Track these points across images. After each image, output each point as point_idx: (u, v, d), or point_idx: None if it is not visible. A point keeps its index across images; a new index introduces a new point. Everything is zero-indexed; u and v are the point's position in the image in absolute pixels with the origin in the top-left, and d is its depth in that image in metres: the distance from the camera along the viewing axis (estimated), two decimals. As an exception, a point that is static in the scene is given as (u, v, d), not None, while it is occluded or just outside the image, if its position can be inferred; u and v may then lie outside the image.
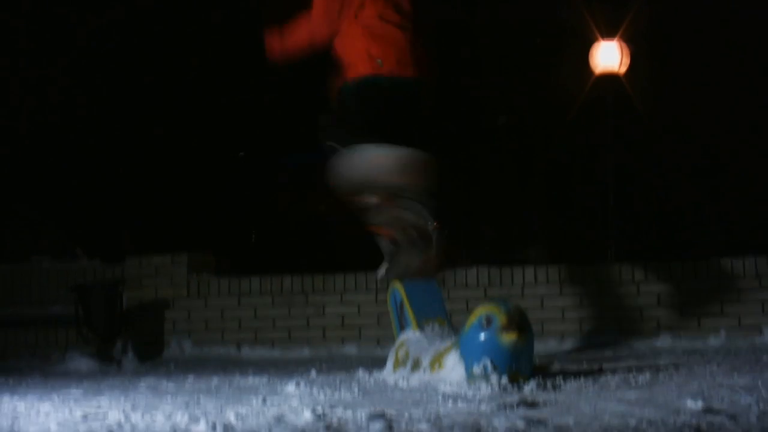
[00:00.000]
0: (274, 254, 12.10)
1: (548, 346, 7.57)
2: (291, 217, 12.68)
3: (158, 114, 12.87)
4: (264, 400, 4.29)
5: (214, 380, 5.79)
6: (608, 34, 10.72)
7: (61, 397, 4.73)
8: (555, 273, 7.91)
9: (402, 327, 5.73)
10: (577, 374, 4.99)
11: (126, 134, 12.92)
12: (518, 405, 3.78)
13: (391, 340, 6.00)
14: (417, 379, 5.01)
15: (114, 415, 3.83)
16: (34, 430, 3.47)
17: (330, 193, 5.59)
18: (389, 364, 5.49)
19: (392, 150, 5.39)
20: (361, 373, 5.62)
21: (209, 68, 13.04)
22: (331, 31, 5.79)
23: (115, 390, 5.22)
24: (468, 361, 4.74)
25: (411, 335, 5.53)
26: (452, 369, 4.83)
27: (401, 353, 5.41)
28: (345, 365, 6.81)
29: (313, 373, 5.98)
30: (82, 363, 7.81)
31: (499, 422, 3.25)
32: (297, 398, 4.40)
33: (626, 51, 10.69)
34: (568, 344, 7.69)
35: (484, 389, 4.49)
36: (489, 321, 4.67)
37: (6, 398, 4.64)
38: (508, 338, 4.64)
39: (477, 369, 4.67)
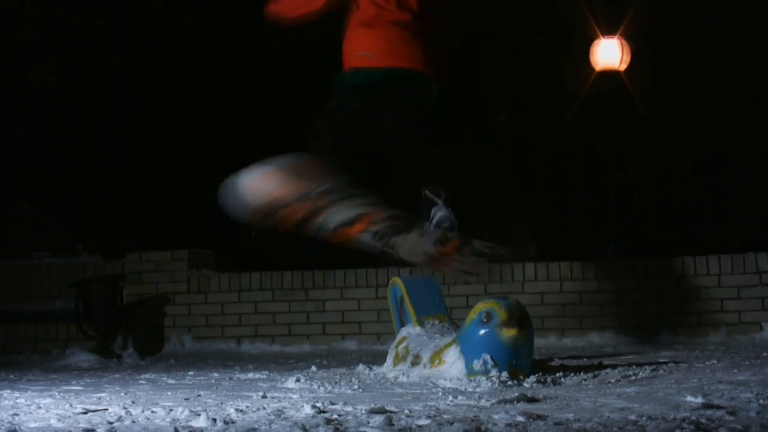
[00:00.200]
0: (274, 250, 12.11)
1: (548, 341, 7.58)
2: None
3: (158, 113, 12.87)
4: (264, 395, 4.30)
5: (215, 375, 5.80)
6: (609, 32, 10.72)
7: (62, 392, 4.73)
8: (555, 269, 7.91)
9: (402, 323, 5.73)
10: (577, 370, 4.99)
11: (126, 132, 12.93)
12: (518, 400, 3.78)
13: (391, 335, 6.01)
14: (417, 374, 5.01)
15: (114, 410, 3.83)
16: (34, 425, 3.47)
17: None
18: (389, 359, 5.49)
19: (270, 167, 5.40)
20: (361, 369, 5.62)
21: (209, 68, 13.05)
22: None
23: (116, 385, 5.22)
24: (468, 356, 4.74)
25: (411, 331, 5.53)
26: (452, 364, 4.83)
27: (401, 349, 5.42)
28: (345, 360, 6.82)
29: (313, 368, 5.98)
30: (82, 358, 7.82)
31: (499, 417, 3.26)
32: (297, 393, 4.40)
33: (627, 48, 10.68)
34: (568, 340, 7.70)
35: (484, 385, 4.49)
36: (489, 317, 4.68)
37: (7, 393, 4.64)
38: (508, 334, 4.65)
39: (477, 365, 4.68)
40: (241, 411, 3.68)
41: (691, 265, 7.77)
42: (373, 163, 5.62)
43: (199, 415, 3.49)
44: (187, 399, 4.25)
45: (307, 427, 3.17)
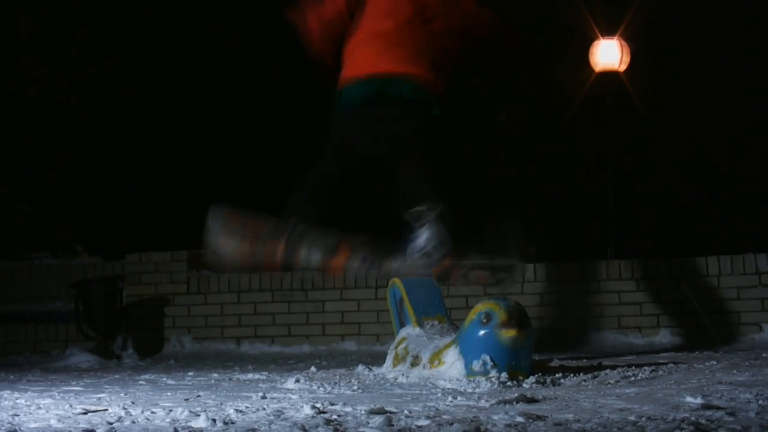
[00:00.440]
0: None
1: (548, 342, 7.58)
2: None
3: (158, 114, 12.87)
4: (264, 396, 4.30)
5: (214, 376, 5.80)
6: (608, 33, 10.70)
7: (62, 393, 4.73)
8: (555, 270, 7.91)
9: (402, 324, 5.73)
10: (576, 370, 5.00)
11: (126, 133, 12.93)
12: (518, 401, 3.79)
13: (391, 336, 6.01)
14: (416, 375, 5.01)
15: (114, 411, 3.83)
16: (34, 425, 3.47)
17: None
18: (389, 360, 5.50)
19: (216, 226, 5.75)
20: (360, 369, 5.63)
21: (208, 69, 13.05)
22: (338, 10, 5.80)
23: (115, 385, 5.22)
24: (467, 357, 4.75)
25: (411, 332, 5.53)
26: (452, 365, 4.84)
27: (401, 350, 5.42)
28: (345, 361, 6.83)
29: (313, 368, 5.98)
30: (82, 359, 7.83)
31: (499, 418, 3.26)
32: (297, 394, 4.41)
33: (626, 49, 10.67)
34: (568, 341, 7.69)
35: (484, 385, 4.50)
36: (488, 318, 4.68)
37: (7, 393, 4.65)
38: (508, 335, 4.65)
39: (476, 365, 4.68)
40: (240, 411, 3.68)
41: (691, 265, 7.77)
42: (380, 180, 5.70)
43: (199, 415, 3.50)
44: (186, 399, 4.26)
45: (307, 428, 3.18)
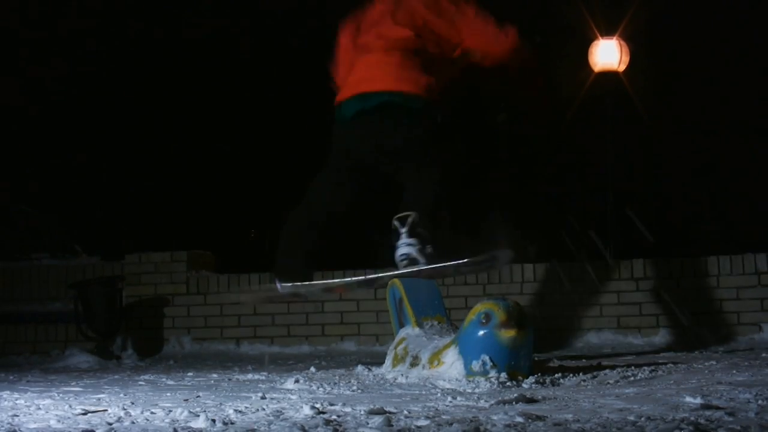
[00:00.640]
0: (273, 251, 12.11)
1: (547, 342, 7.58)
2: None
3: (157, 115, 12.88)
4: (263, 396, 4.30)
5: (214, 376, 5.80)
6: (607, 33, 10.72)
7: (61, 393, 4.73)
8: (554, 270, 7.91)
9: (401, 324, 5.73)
10: (575, 370, 5.00)
11: (125, 134, 12.94)
12: (517, 401, 3.78)
13: (390, 336, 6.01)
14: (416, 375, 5.01)
15: (114, 411, 3.83)
16: (34, 426, 3.47)
17: None
18: (388, 360, 5.50)
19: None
20: (360, 370, 5.63)
21: (208, 70, 13.06)
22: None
23: (115, 386, 5.22)
24: (467, 357, 4.74)
25: (410, 332, 5.53)
26: (451, 365, 4.83)
27: (400, 350, 5.42)
28: (344, 361, 6.83)
29: (312, 369, 5.98)
30: (81, 359, 7.83)
31: (498, 418, 3.26)
32: (296, 394, 4.40)
33: (625, 49, 10.69)
34: (568, 341, 7.70)
35: (483, 385, 4.50)
36: (488, 318, 4.68)
37: (6, 394, 4.65)
38: (507, 335, 4.65)
39: (476, 365, 4.68)
40: (240, 412, 3.68)
41: (690, 265, 7.77)
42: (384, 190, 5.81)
43: (199, 416, 3.49)
44: (186, 400, 4.26)
45: (306, 428, 3.18)
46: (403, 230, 5.64)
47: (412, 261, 5.67)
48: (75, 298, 8.29)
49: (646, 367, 5.02)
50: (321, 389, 4.61)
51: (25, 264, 9.04)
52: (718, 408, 3.29)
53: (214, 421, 3.39)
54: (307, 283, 6.07)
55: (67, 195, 12.53)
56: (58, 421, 3.58)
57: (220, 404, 3.99)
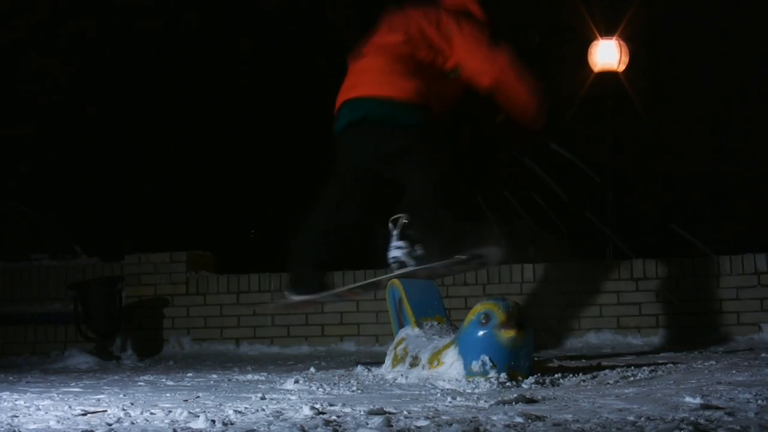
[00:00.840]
0: (273, 251, 12.12)
1: (547, 342, 7.58)
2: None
3: (157, 115, 12.88)
4: (263, 397, 4.30)
5: (213, 377, 5.80)
6: (607, 33, 10.72)
7: (61, 394, 4.73)
8: (554, 270, 7.91)
9: (401, 324, 5.73)
10: (575, 371, 5.00)
11: (125, 134, 12.94)
12: (517, 401, 3.78)
13: (390, 337, 6.01)
14: (415, 375, 5.01)
15: (113, 411, 3.83)
16: (33, 427, 3.47)
17: None
18: (388, 360, 5.50)
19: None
20: (359, 370, 5.63)
21: (208, 70, 13.05)
22: None
23: (115, 386, 5.22)
24: (467, 358, 4.74)
25: (410, 332, 5.53)
26: (451, 366, 4.83)
27: (400, 350, 5.42)
28: (344, 362, 6.83)
29: (312, 369, 5.98)
30: (81, 360, 7.82)
31: (498, 418, 3.26)
32: (296, 394, 4.40)
33: (625, 49, 10.70)
34: (567, 341, 7.70)
35: (483, 386, 4.50)
36: (488, 318, 4.68)
37: (6, 395, 4.65)
38: (507, 335, 4.65)
39: (476, 366, 4.68)
40: (239, 412, 3.68)
41: (690, 266, 7.77)
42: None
43: (198, 416, 3.49)
44: (186, 400, 4.26)
45: (306, 429, 3.18)
46: (395, 232, 5.74)
47: (400, 264, 5.82)
48: (74, 298, 8.28)
49: (645, 368, 5.02)
50: (321, 390, 4.61)
51: (25, 265, 9.04)
52: (717, 408, 3.29)
53: (213, 421, 3.39)
54: (319, 292, 6.15)
55: (67, 196, 12.53)
56: (58, 421, 3.58)
57: (220, 405, 3.99)
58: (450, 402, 3.90)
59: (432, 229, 5.66)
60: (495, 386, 4.50)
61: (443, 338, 5.23)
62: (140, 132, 12.78)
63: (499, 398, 3.91)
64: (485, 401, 3.86)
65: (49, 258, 9.16)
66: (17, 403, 4.27)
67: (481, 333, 4.70)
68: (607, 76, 10.73)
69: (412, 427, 3.16)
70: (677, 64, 12.58)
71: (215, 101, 12.79)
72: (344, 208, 5.98)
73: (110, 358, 8.03)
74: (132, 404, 4.11)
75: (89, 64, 12.71)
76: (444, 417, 3.38)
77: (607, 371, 4.95)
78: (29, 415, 3.82)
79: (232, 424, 3.38)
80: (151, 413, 3.74)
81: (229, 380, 5.49)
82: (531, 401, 3.81)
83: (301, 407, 3.68)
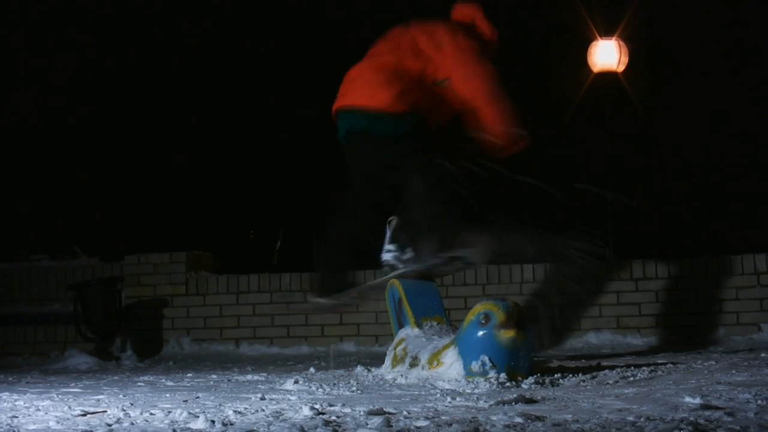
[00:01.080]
0: (272, 252, 12.13)
1: (547, 343, 7.58)
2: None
3: (156, 116, 12.87)
4: (263, 397, 4.30)
5: (213, 377, 5.80)
6: (607, 33, 10.72)
7: (61, 394, 4.73)
8: (553, 271, 7.91)
9: (400, 324, 5.73)
10: (575, 371, 5.00)
11: (124, 135, 12.93)
12: (516, 401, 3.79)
13: (390, 337, 6.02)
14: (415, 376, 5.01)
15: (113, 412, 3.83)
16: (33, 427, 3.47)
17: None
18: (388, 361, 5.50)
19: None
20: (359, 370, 5.63)
21: (208, 71, 13.05)
22: None
23: (114, 387, 5.22)
24: (466, 358, 4.74)
25: (409, 332, 5.53)
26: (450, 366, 4.83)
27: (400, 350, 5.42)
28: (343, 362, 6.83)
29: (312, 369, 5.99)
30: (81, 360, 7.83)
31: (498, 419, 3.26)
32: (296, 395, 4.41)
33: (624, 50, 10.69)
34: (567, 341, 7.70)
35: (483, 386, 4.50)
36: (487, 318, 4.68)
37: (6, 395, 4.65)
38: (506, 335, 4.65)
39: (475, 366, 4.68)
40: (239, 413, 3.68)
41: (690, 266, 7.77)
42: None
43: (198, 416, 3.49)
44: (185, 401, 4.26)
45: (306, 429, 3.18)
46: (388, 235, 5.81)
47: (391, 267, 5.91)
48: (74, 299, 8.28)
49: (645, 368, 5.02)
50: (320, 390, 4.61)
51: (25, 265, 9.03)
52: (717, 408, 3.29)
53: (213, 422, 3.39)
54: (341, 294, 6.19)
55: (67, 196, 12.52)
56: (58, 422, 3.58)
57: (220, 405, 3.99)
58: (450, 402, 3.90)
59: (419, 231, 5.72)
60: (495, 386, 4.50)
61: (443, 338, 5.23)
62: (140, 132, 12.78)
63: (499, 398, 3.91)
64: (485, 401, 3.86)
65: (48, 258, 9.15)
66: (17, 403, 4.27)
67: (480, 333, 4.70)
68: (607, 76, 10.72)
69: (412, 428, 3.16)
70: (677, 64, 12.59)
71: (215, 101, 12.79)
72: (362, 213, 6.01)
73: (110, 358, 8.03)
74: (132, 405, 4.11)
75: (89, 64, 12.71)
76: (444, 417, 3.38)
77: (606, 371, 4.95)
78: (29, 415, 3.82)
79: (231, 424, 3.38)
80: (151, 414, 3.74)
81: (229, 381, 5.49)
82: (531, 401, 3.81)
83: (301, 407, 3.68)
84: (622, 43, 10.63)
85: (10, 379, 6.16)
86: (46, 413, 3.87)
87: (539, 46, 12.96)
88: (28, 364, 8.05)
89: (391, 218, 5.89)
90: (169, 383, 5.44)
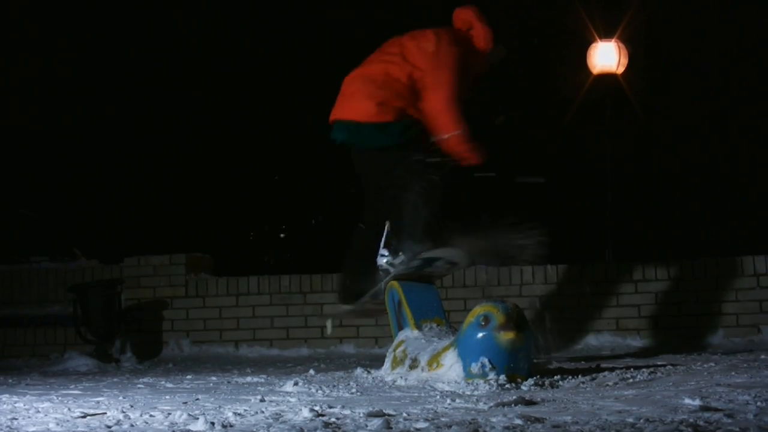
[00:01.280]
0: (272, 254, 12.13)
1: (546, 344, 7.57)
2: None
3: (156, 117, 12.87)
4: (262, 399, 4.30)
5: (213, 379, 5.80)
6: (606, 35, 10.71)
7: (60, 396, 4.73)
8: (553, 273, 7.91)
9: (400, 326, 5.74)
10: (574, 373, 5.00)
11: (124, 136, 12.93)
12: (516, 403, 3.79)
13: (389, 339, 6.02)
14: (415, 377, 5.01)
15: (113, 414, 3.83)
16: (33, 429, 3.48)
17: None
18: (387, 363, 5.50)
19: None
20: (359, 372, 5.63)
21: (208, 71, 13.05)
22: None
23: (114, 389, 5.22)
24: (466, 360, 4.75)
25: (409, 334, 5.54)
26: (450, 368, 4.84)
27: (399, 352, 5.42)
28: (343, 364, 6.83)
29: (312, 371, 5.99)
30: (80, 362, 7.82)
31: (497, 420, 3.26)
32: (295, 397, 4.41)
33: (624, 51, 10.68)
34: (567, 343, 7.69)
35: (482, 388, 4.50)
36: (487, 320, 4.68)
37: (5, 397, 4.65)
38: (506, 337, 4.65)
39: (475, 368, 4.68)
40: (239, 415, 3.68)
41: (689, 268, 7.77)
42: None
43: (198, 418, 3.50)
44: (185, 403, 4.26)
45: (306, 431, 3.18)
46: (383, 240, 5.86)
47: (384, 272, 5.94)
48: (74, 301, 8.28)
49: (644, 369, 5.02)
50: (320, 392, 4.62)
51: (25, 267, 9.03)
52: (717, 410, 3.29)
53: (213, 423, 3.39)
54: (355, 303, 6.26)
55: (66, 198, 12.52)
56: (57, 424, 3.58)
57: (219, 407, 4.00)
58: (449, 404, 3.91)
59: (406, 235, 5.77)
60: (494, 388, 4.50)
61: (442, 340, 5.23)
62: (139, 134, 12.77)
63: (499, 400, 3.91)
64: (484, 403, 3.87)
65: (48, 260, 9.15)
66: (17, 405, 4.27)
67: (480, 335, 4.70)
68: (606, 78, 10.72)
69: (412, 429, 3.16)
70: (676, 66, 12.59)
71: (215, 103, 12.79)
72: (375, 220, 6.04)
73: (109, 360, 8.03)
74: (131, 407, 4.11)
75: (88, 65, 12.70)
76: (443, 419, 3.38)
77: (606, 373, 4.95)
78: (29, 417, 3.83)
79: (231, 426, 3.38)
80: (151, 416, 3.74)
81: (229, 382, 5.49)
82: (530, 403, 3.81)
83: (301, 409, 3.68)
84: (621, 44, 10.62)
85: (10, 381, 6.16)
86: (46, 415, 3.87)
87: (539, 47, 12.95)
88: (27, 366, 8.04)
89: (386, 224, 5.93)
90: (169, 385, 5.44)
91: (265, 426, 3.34)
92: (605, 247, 9.88)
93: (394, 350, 5.51)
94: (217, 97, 12.91)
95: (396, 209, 5.83)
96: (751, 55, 12.29)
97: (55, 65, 12.58)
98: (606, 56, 10.65)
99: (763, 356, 5.82)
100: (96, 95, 12.83)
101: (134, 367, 7.65)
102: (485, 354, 4.69)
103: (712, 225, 12.10)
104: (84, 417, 3.80)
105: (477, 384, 4.57)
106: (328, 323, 7.79)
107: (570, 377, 4.81)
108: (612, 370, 5.11)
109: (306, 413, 3.59)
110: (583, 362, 6.05)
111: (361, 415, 3.55)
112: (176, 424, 3.49)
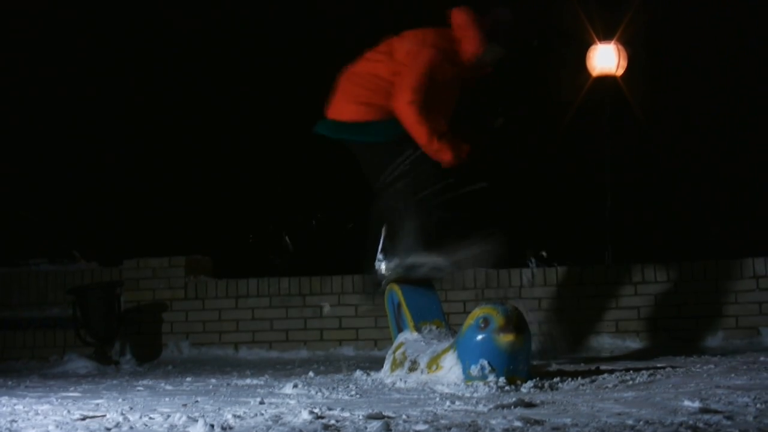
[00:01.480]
0: (272, 256, 12.12)
1: (546, 346, 7.57)
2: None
3: (155, 119, 12.87)
4: (262, 401, 4.30)
5: (212, 381, 5.80)
6: (605, 37, 10.72)
7: (60, 399, 4.73)
8: (552, 275, 7.91)
9: (399, 329, 5.74)
10: (574, 375, 5.00)
11: (124, 138, 12.93)
12: (515, 405, 3.79)
13: (389, 341, 6.02)
14: (414, 380, 5.01)
15: (112, 416, 3.83)
16: (32, 431, 3.48)
17: None
18: (387, 365, 5.50)
19: None
20: (358, 374, 5.63)
21: (207, 72, 13.05)
22: None
23: (113, 391, 5.23)
24: (465, 362, 4.75)
25: (409, 337, 5.54)
26: (449, 370, 4.84)
27: (399, 354, 5.42)
28: (342, 366, 6.83)
29: (311, 374, 5.99)
30: (80, 364, 7.82)
31: (497, 423, 3.26)
32: (295, 399, 4.41)
33: (623, 54, 10.69)
34: (566, 345, 7.69)
35: (482, 390, 4.50)
36: (486, 322, 4.68)
37: (5, 399, 4.65)
38: (505, 340, 4.65)
39: (474, 370, 4.68)
40: (238, 417, 3.68)
41: (689, 270, 7.77)
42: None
43: (197, 421, 3.50)
44: (184, 405, 4.26)
45: (305, 433, 3.18)
46: (379, 244, 5.88)
47: (381, 276, 5.95)
48: (73, 303, 8.28)
49: (644, 371, 5.02)
50: (320, 394, 4.62)
51: (24, 269, 9.02)
52: (716, 412, 3.29)
53: (212, 426, 3.39)
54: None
55: (66, 200, 12.51)
56: (57, 426, 3.58)
57: (219, 409, 4.00)
58: (449, 406, 3.91)
59: (396, 239, 5.79)
60: (494, 390, 4.50)
61: (442, 342, 5.23)
62: (139, 136, 12.77)
63: (498, 402, 3.91)
64: (484, 405, 3.87)
65: (47, 263, 9.15)
66: (16, 407, 4.27)
67: (479, 337, 4.70)
68: (606, 80, 10.72)
69: (411, 432, 3.16)
70: (676, 68, 12.59)
71: (215, 104, 12.78)
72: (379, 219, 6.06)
73: (109, 362, 8.02)
74: (131, 409, 4.11)
75: (88, 66, 12.70)
76: (443, 421, 3.38)
77: (605, 375, 4.95)
78: (28, 419, 3.83)
79: (230, 428, 3.39)
80: (150, 418, 3.75)
81: (228, 385, 5.49)
82: (530, 405, 3.81)
83: (300, 412, 3.68)
84: (621, 47, 10.62)
85: (10, 383, 6.16)
86: (46, 417, 3.87)
87: (538, 49, 12.96)
88: (27, 368, 8.04)
89: (383, 227, 5.94)
90: (169, 387, 5.44)
91: (265, 428, 3.34)
92: (605, 249, 9.88)
93: (394, 352, 5.51)
94: (216, 98, 12.91)
95: (388, 213, 5.84)
96: (751, 57, 12.29)
97: (54, 65, 12.58)
98: (605, 58, 10.65)
99: (762, 358, 5.82)
100: (96, 96, 12.83)
101: (134, 369, 7.65)
102: (485, 356, 4.69)
103: (712, 227, 12.10)
104: (83, 419, 3.80)
105: (476, 386, 4.57)
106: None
107: (569, 379, 4.81)
108: (611, 372, 5.11)
109: (305, 415, 3.59)
110: (582, 364, 6.05)
111: (361, 417, 3.55)
112: (176, 426, 3.49)
